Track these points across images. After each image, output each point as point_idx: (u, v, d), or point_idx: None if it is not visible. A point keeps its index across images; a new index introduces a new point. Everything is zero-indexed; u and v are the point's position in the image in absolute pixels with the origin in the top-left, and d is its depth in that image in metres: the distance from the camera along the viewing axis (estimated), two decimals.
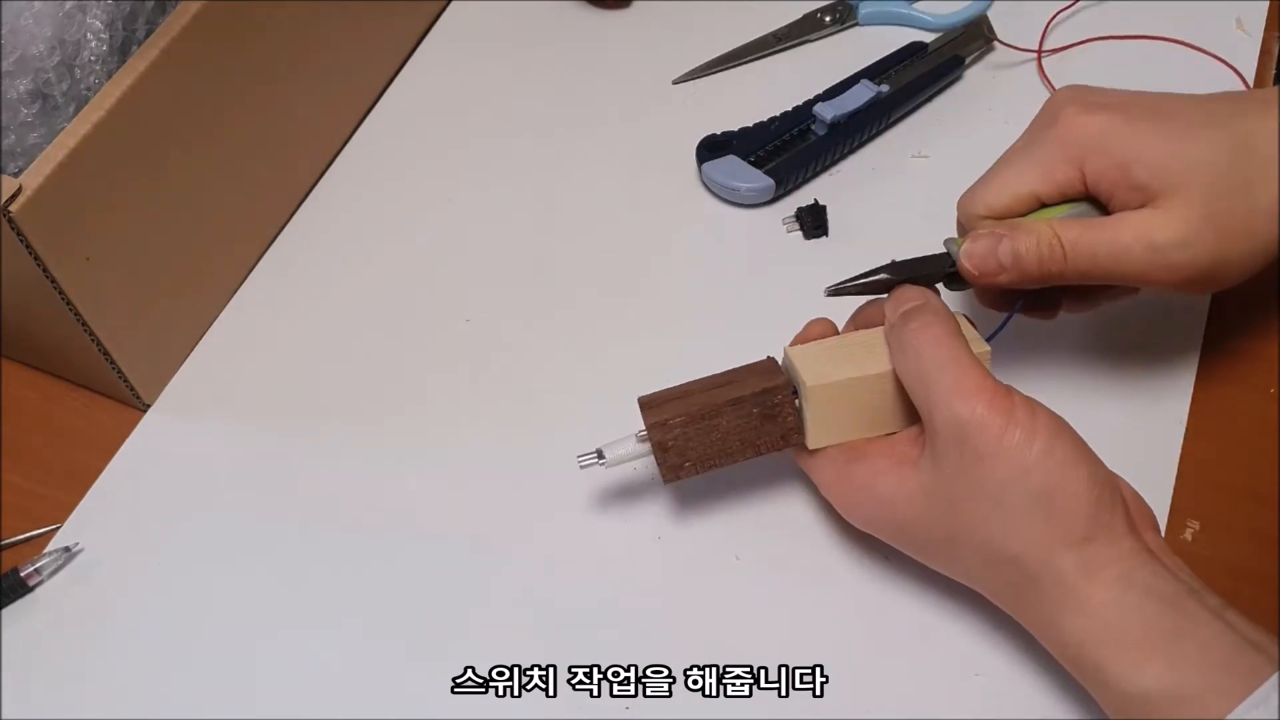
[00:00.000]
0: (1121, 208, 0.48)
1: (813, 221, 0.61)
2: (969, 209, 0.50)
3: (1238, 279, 0.49)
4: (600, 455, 0.49)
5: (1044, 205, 0.49)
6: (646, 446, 0.48)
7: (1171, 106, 0.49)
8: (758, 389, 0.48)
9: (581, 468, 0.49)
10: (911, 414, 0.47)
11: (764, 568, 0.51)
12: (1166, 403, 0.54)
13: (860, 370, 0.47)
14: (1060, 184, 0.49)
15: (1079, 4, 0.68)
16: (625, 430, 0.49)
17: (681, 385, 0.49)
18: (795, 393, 0.48)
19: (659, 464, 0.49)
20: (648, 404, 0.49)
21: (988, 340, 0.48)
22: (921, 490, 0.45)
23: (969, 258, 0.48)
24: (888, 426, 0.48)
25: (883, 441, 0.48)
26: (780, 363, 0.50)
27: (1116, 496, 0.44)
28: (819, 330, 0.51)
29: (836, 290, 0.50)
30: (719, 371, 0.50)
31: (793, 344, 0.50)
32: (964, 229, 0.51)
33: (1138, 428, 0.53)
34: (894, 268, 0.50)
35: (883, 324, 0.49)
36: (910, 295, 0.48)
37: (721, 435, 0.48)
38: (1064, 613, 0.43)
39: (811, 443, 0.49)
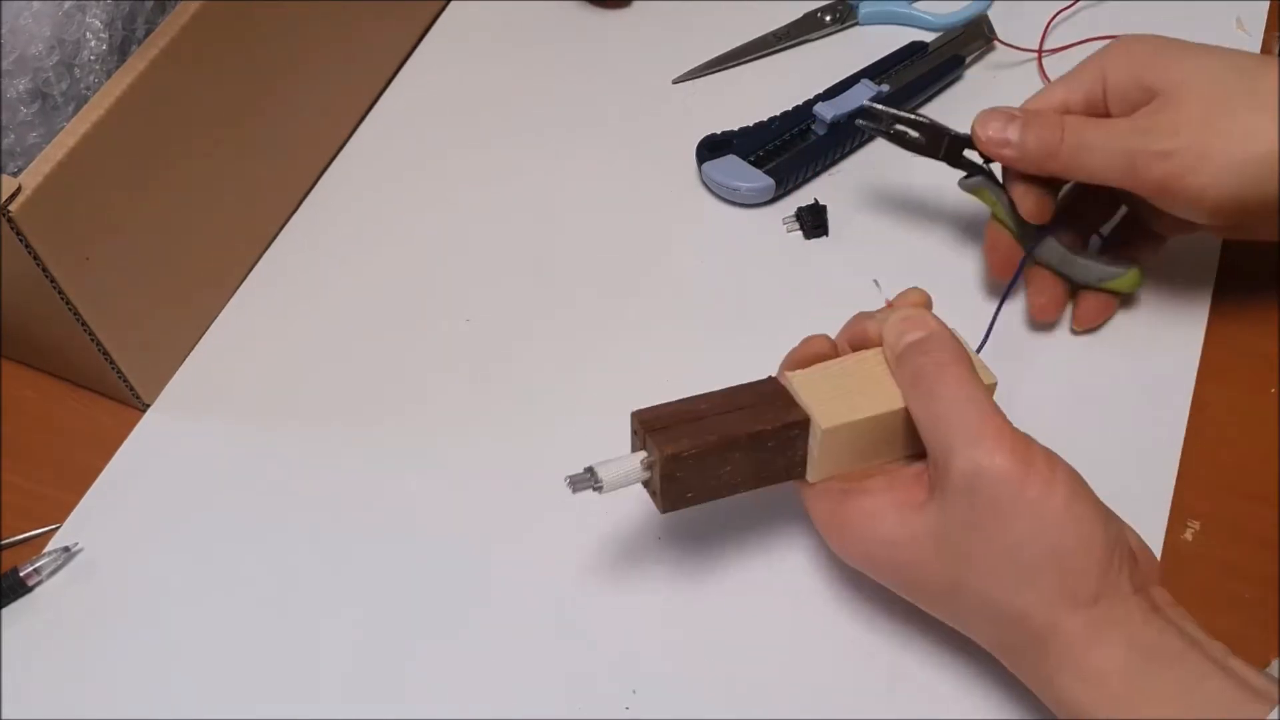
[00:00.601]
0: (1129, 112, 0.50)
1: (813, 221, 0.61)
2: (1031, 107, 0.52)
3: (1227, 192, 0.48)
4: (594, 478, 0.45)
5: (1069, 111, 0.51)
6: (646, 474, 0.45)
7: (1204, 45, 0.50)
8: (780, 423, 0.45)
9: (574, 492, 0.45)
10: (912, 445, 0.46)
11: (765, 568, 0.51)
12: (1167, 402, 0.54)
13: (875, 408, 0.46)
14: (1086, 91, 0.51)
15: (1079, 4, 0.68)
16: (623, 433, 0.49)
17: (683, 402, 0.46)
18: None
19: (660, 493, 0.45)
20: (652, 425, 0.45)
21: (978, 348, 0.47)
22: (928, 535, 0.44)
23: (983, 125, 0.51)
24: (887, 457, 0.47)
25: (883, 478, 0.46)
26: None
27: (1126, 553, 0.42)
28: (817, 348, 0.49)
29: (868, 112, 0.54)
30: (720, 389, 0.47)
31: (789, 365, 0.48)
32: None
33: (1138, 427, 0.53)
34: (928, 128, 0.54)
35: (878, 343, 0.47)
36: (914, 323, 0.46)
37: (732, 468, 0.46)
38: (1066, 675, 0.42)
39: (813, 477, 0.47)
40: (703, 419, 0.45)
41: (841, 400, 0.46)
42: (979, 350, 0.48)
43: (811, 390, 0.46)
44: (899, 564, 0.45)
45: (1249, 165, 0.47)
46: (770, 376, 0.48)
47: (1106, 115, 0.51)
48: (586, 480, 0.45)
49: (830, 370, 0.47)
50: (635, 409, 0.46)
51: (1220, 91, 0.48)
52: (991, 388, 0.46)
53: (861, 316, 0.49)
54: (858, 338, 0.49)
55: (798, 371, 0.47)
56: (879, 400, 0.46)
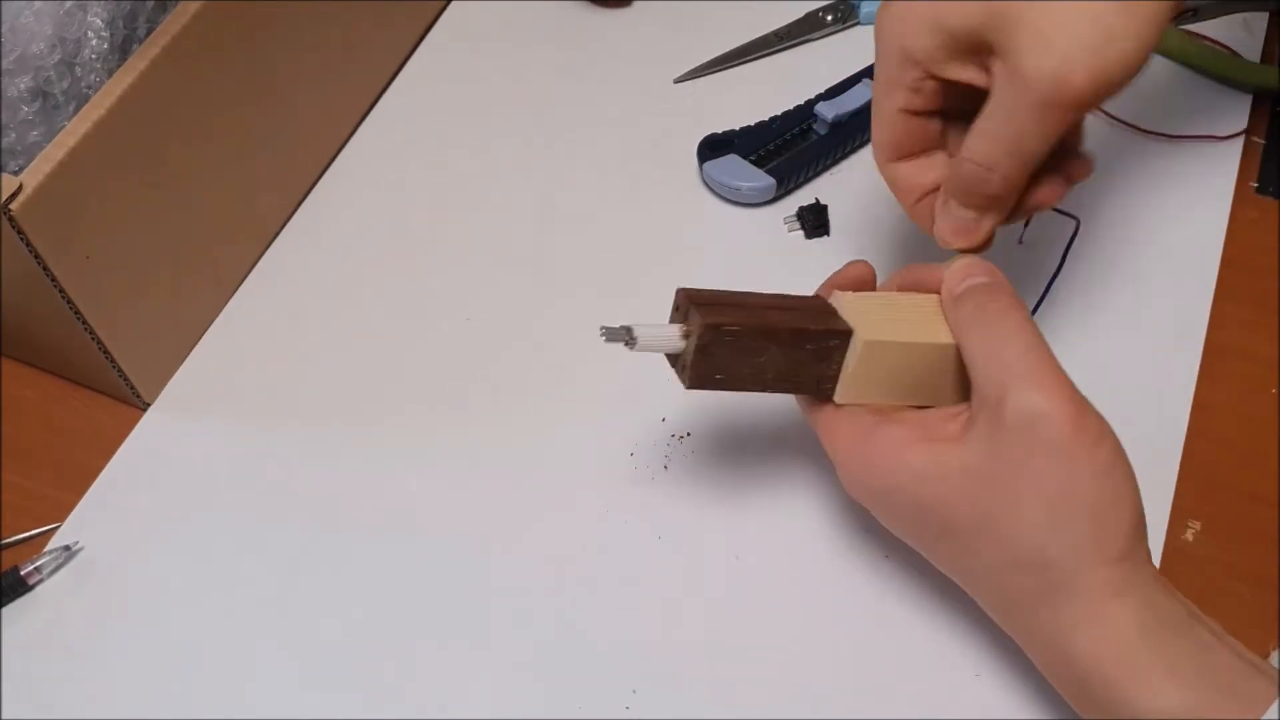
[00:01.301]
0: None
1: (814, 220, 0.61)
2: (882, 170, 0.50)
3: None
4: (630, 335, 0.44)
5: (912, 114, 0.48)
6: (681, 344, 0.44)
7: None
8: (824, 327, 0.45)
9: (606, 342, 0.44)
10: (949, 393, 0.47)
11: (765, 568, 0.51)
12: (1167, 402, 0.54)
13: (920, 337, 0.46)
14: (908, 86, 0.47)
15: None
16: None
17: (732, 292, 0.46)
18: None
19: (689, 367, 0.44)
20: (700, 300, 0.45)
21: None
22: (961, 471, 0.43)
23: (948, 238, 0.49)
24: (920, 400, 0.47)
25: (914, 413, 0.46)
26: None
27: (1145, 527, 0.44)
28: (857, 273, 0.49)
29: None
30: (771, 293, 0.47)
31: (829, 287, 0.49)
32: (900, 192, 0.50)
33: (1139, 427, 0.53)
34: None
35: (934, 290, 0.47)
36: (978, 269, 0.46)
37: (766, 359, 0.45)
38: (1084, 627, 0.42)
39: (840, 398, 0.47)
40: (749, 307, 0.45)
41: (888, 324, 0.46)
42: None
43: (859, 309, 0.46)
44: (922, 499, 0.45)
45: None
46: (819, 294, 0.48)
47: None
48: (620, 335, 0.44)
49: (881, 298, 0.47)
50: (682, 287, 0.46)
51: None
52: None
53: (916, 266, 0.49)
54: (910, 284, 0.49)
55: (849, 293, 0.47)
56: (925, 333, 0.46)
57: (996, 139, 0.46)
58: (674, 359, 0.45)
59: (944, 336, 0.46)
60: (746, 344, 0.45)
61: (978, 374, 0.44)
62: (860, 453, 0.46)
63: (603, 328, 0.44)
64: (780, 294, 0.47)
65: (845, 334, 0.46)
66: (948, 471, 0.44)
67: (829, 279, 0.50)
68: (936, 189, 0.50)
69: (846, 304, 0.47)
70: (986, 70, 0.46)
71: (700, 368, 0.44)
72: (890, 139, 0.49)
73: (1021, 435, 0.42)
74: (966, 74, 0.47)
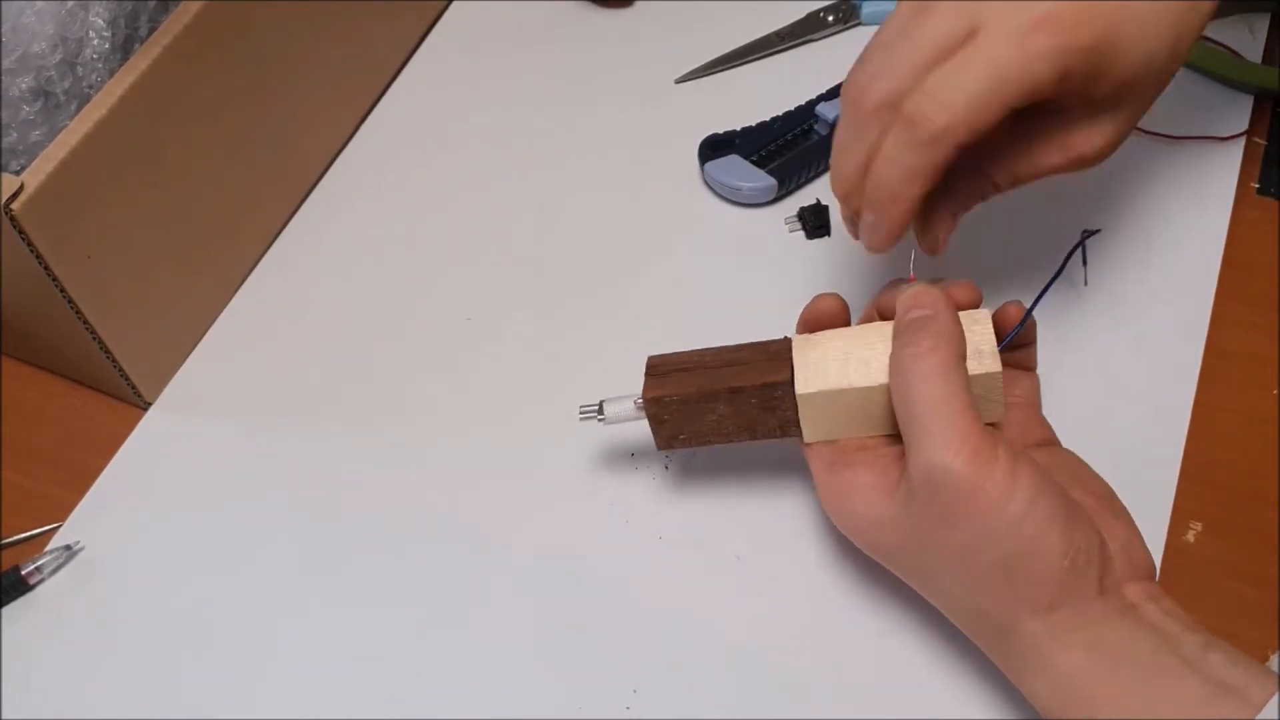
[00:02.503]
0: None
1: (815, 221, 0.61)
2: (951, 126, 0.42)
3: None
4: (600, 410, 0.49)
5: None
6: (640, 414, 0.48)
7: None
8: (759, 382, 0.47)
9: (580, 419, 0.49)
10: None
11: (766, 568, 0.51)
12: (1168, 404, 0.54)
13: (856, 380, 0.46)
14: (1038, 85, 0.42)
15: None
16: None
17: (693, 352, 0.49)
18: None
19: (654, 432, 0.49)
20: (653, 369, 0.48)
21: (1002, 346, 0.45)
22: (893, 522, 0.44)
23: (909, 300, 0.46)
24: (881, 430, 0.47)
25: (870, 452, 0.46)
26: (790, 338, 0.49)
27: (1093, 557, 0.41)
28: (825, 307, 0.48)
29: None
30: (734, 345, 0.48)
31: (799, 325, 0.49)
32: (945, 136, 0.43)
33: (1140, 429, 0.53)
34: None
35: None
36: (924, 300, 0.44)
37: (718, 418, 0.48)
38: (1031, 672, 0.42)
39: (808, 438, 0.48)
40: (696, 369, 0.48)
41: (834, 367, 0.46)
42: (1002, 346, 0.46)
43: (807, 354, 0.47)
44: (874, 543, 0.46)
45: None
46: (786, 337, 0.49)
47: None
48: (593, 412, 0.49)
49: (837, 336, 0.47)
50: (650, 355, 0.49)
51: None
52: (993, 377, 0.45)
53: (892, 285, 0.48)
54: (884, 307, 0.48)
55: (807, 335, 0.48)
56: (869, 372, 0.45)
57: (1048, 167, 0.46)
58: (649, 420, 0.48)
59: (884, 376, 0.45)
60: (694, 408, 0.47)
61: (899, 423, 0.43)
62: (825, 493, 0.47)
63: (581, 407, 0.49)
64: (741, 344, 0.48)
65: (784, 384, 0.46)
66: (884, 519, 0.44)
67: (802, 313, 0.49)
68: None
69: (797, 346, 0.47)
70: None
71: (660, 433, 0.48)
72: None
73: (927, 495, 0.42)
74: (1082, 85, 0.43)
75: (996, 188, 0.47)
